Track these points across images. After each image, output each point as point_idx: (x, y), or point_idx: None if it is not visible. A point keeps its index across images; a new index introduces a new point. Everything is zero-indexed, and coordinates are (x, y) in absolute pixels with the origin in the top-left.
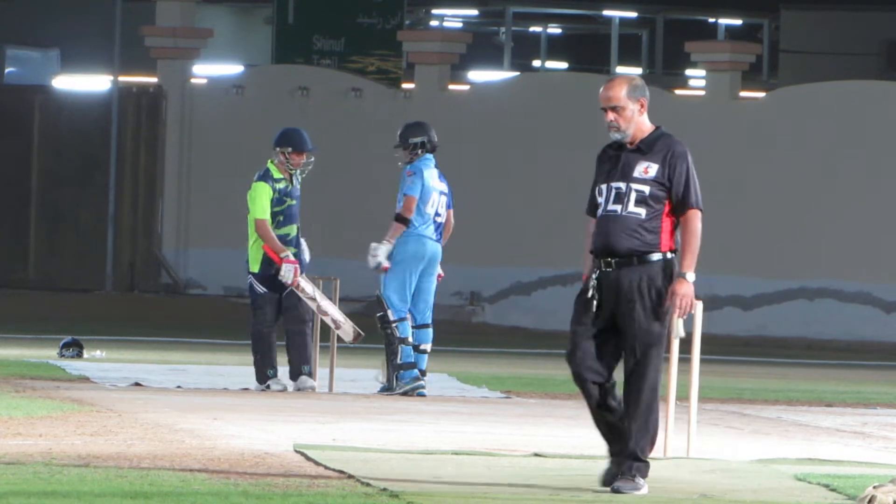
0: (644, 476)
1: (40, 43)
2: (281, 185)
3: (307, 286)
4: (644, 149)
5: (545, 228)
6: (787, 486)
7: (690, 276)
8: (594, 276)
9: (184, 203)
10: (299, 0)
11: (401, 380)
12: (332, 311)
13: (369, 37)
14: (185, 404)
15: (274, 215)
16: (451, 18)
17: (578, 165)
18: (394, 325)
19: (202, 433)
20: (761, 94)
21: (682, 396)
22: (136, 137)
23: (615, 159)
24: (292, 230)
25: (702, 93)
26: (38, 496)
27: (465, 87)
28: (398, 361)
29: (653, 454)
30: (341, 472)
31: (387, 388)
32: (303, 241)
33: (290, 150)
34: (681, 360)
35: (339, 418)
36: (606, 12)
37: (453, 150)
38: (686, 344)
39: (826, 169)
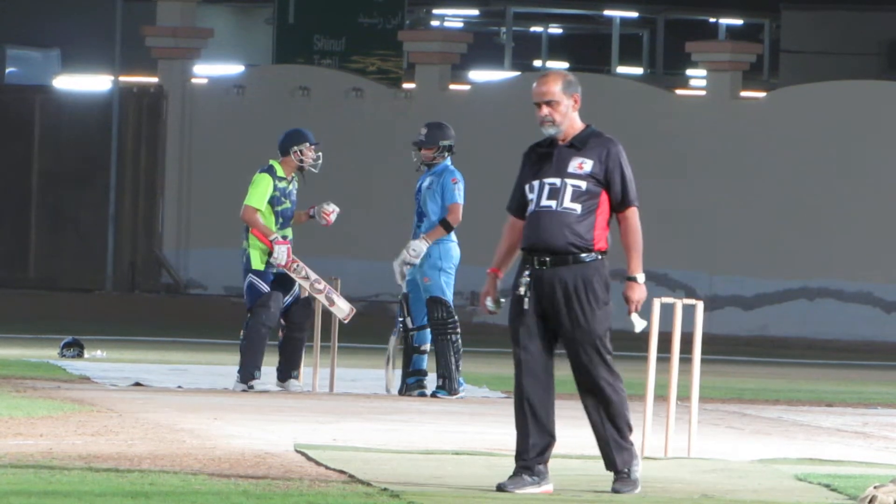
0: (634, 464)
1: (41, 43)
2: (282, 185)
3: (300, 266)
4: (578, 145)
5: None
6: (788, 486)
7: (641, 278)
8: (526, 273)
9: (184, 203)
10: (300, 0)
11: (461, 384)
12: (326, 290)
13: (370, 37)
14: (185, 404)
15: (275, 216)
16: (452, 18)
17: None
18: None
19: (203, 433)
20: (762, 94)
21: (683, 396)
22: (136, 137)
23: (546, 156)
24: (289, 233)
25: (702, 93)
26: (38, 496)
27: (466, 87)
28: (461, 366)
29: (653, 454)
30: (342, 472)
31: (443, 391)
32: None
33: (307, 144)
34: (681, 360)
35: (340, 418)
36: (607, 12)
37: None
38: (687, 344)
39: (826, 169)
